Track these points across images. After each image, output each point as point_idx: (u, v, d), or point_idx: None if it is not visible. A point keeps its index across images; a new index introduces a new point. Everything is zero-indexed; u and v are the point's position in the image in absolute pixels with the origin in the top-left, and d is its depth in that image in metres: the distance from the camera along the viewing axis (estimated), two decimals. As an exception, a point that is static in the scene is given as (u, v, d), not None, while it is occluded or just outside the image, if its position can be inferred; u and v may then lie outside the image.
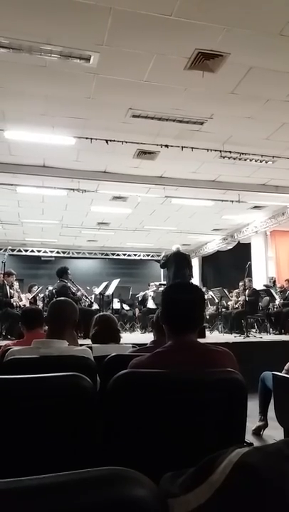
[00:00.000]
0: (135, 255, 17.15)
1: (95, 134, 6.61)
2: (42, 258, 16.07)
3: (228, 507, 0.54)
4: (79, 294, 8.23)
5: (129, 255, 17.11)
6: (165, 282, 10.90)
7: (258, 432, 3.83)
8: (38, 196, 9.90)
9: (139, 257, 17.25)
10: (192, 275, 8.92)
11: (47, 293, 9.31)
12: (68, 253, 16.36)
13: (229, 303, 10.35)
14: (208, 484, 0.57)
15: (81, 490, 0.55)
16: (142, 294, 11.73)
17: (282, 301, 9.51)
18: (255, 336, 8.10)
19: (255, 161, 7.51)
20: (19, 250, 15.75)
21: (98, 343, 2.80)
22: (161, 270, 14.96)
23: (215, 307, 11.11)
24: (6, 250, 10.71)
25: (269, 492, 0.51)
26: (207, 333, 8.94)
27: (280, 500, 0.51)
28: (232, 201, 9.93)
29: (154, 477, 0.64)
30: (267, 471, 0.53)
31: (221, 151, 7.22)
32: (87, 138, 6.67)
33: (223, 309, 10.27)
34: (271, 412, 3.49)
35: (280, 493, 0.51)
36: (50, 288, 8.89)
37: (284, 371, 3.29)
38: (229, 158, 7.35)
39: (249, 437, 3.57)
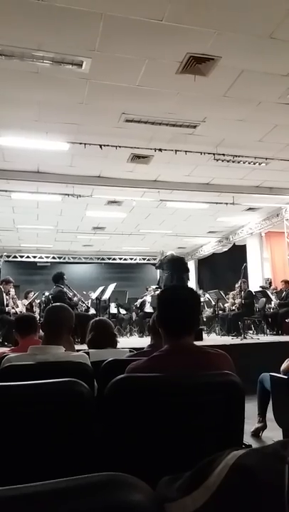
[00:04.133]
0: (131, 259, 17.15)
1: (88, 139, 6.62)
2: (38, 264, 16.03)
3: (226, 509, 0.54)
4: (75, 299, 8.21)
5: (125, 259, 17.10)
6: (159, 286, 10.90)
7: (256, 434, 3.82)
8: (32, 202, 9.89)
9: (135, 261, 17.25)
10: (188, 278, 8.93)
11: (43, 299, 9.29)
12: (64, 258, 16.33)
13: (226, 305, 10.37)
14: (204, 487, 0.57)
15: (78, 496, 0.55)
16: (140, 300, 11.68)
17: (278, 301, 9.53)
18: (253, 338, 8.11)
19: (249, 163, 7.54)
20: (15, 256, 15.72)
21: (95, 348, 2.79)
22: (158, 274, 14.97)
23: (212, 309, 11.13)
24: (1, 257, 10.68)
25: (266, 493, 0.51)
26: (204, 335, 8.95)
27: (276, 501, 0.51)
28: (226, 203, 9.97)
29: (153, 482, 0.64)
30: (263, 473, 0.53)
31: (214, 154, 7.25)
32: (80, 143, 6.68)
33: (220, 311, 10.29)
34: (270, 414, 3.49)
35: (277, 494, 0.51)
36: (47, 294, 8.88)
37: (282, 372, 3.29)
38: (223, 160, 7.38)
39: (248, 439, 3.57)
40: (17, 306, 8.12)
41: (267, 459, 0.56)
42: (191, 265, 16.94)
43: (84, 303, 8.99)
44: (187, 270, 8.71)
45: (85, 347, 2.98)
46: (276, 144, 7.10)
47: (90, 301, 10.28)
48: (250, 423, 3.79)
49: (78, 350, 2.43)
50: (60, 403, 1.39)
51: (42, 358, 2.02)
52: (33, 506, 0.53)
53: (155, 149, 7.01)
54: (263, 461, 0.55)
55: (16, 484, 0.56)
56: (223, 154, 7.26)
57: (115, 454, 1.38)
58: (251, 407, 3.70)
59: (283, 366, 3.27)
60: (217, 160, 7.35)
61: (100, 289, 9.20)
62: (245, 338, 7.83)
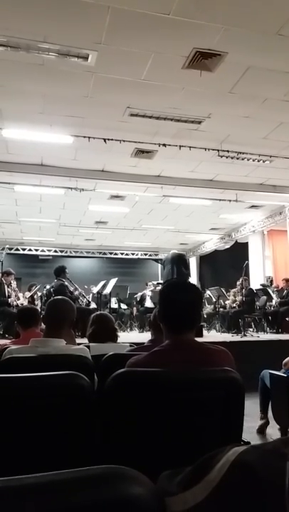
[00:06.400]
0: (133, 254, 17.14)
1: (92, 133, 6.61)
2: (40, 257, 16.04)
3: (226, 505, 0.54)
4: (76, 293, 8.22)
5: (126, 254, 17.09)
6: (162, 281, 10.94)
7: (262, 431, 3.80)
8: (35, 195, 9.89)
9: (136, 256, 17.24)
10: (189, 274, 8.96)
11: (44, 292, 9.29)
12: (66, 252, 16.33)
13: (226, 302, 10.36)
14: (205, 483, 0.57)
15: (79, 488, 0.55)
16: (140, 294, 11.71)
17: (279, 300, 9.53)
18: (253, 335, 8.12)
19: (253, 160, 7.52)
20: (17, 249, 15.71)
21: (95, 342, 2.79)
22: (159, 269, 15.05)
23: (212, 306, 11.13)
24: (3, 249, 10.67)
25: (266, 490, 0.51)
26: (205, 332, 8.97)
27: (277, 498, 0.51)
28: (229, 200, 9.94)
29: (152, 476, 0.64)
30: (264, 470, 0.53)
31: (218, 151, 7.22)
32: (84, 136, 6.66)
33: (221, 308, 10.28)
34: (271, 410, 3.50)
35: (278, 492, 0.51)
36: (48, 287, 8.88)
37: (283, 366, 3.30)
38: (227, 157, 7.36)
39: (247, 436, 3.57)
40: (18, 299, 8.13)
41: (268, 456, 0.56)
42: (193, 262, 16.94)
43: (85, 297, 9.00)
44: (187, 266, 8.75)
45: (85, 341, 2.99)
46: (281, 142, 7.07)
47: (90, 295, 10.29)
48: (249, 420, 3.79)
49: (79, 344, 2.43)
50: (61, 396, 1.39)
51: (43, 351, 2.03)
52: (34, 497, 0.53)
53: (159, 144, 6.99)
54: (264, 458, 0.55)
55: (15, 476, 0.56)
56: (228, 151, 7.24)
57: (116, 447, 1.39)
58: (250, 404, 3.70)
59: (286, 360, 3.29)
60: (221, 156, 7.33)
61: (102, 283, 9.21)
62: (245, 335, 7.83)
